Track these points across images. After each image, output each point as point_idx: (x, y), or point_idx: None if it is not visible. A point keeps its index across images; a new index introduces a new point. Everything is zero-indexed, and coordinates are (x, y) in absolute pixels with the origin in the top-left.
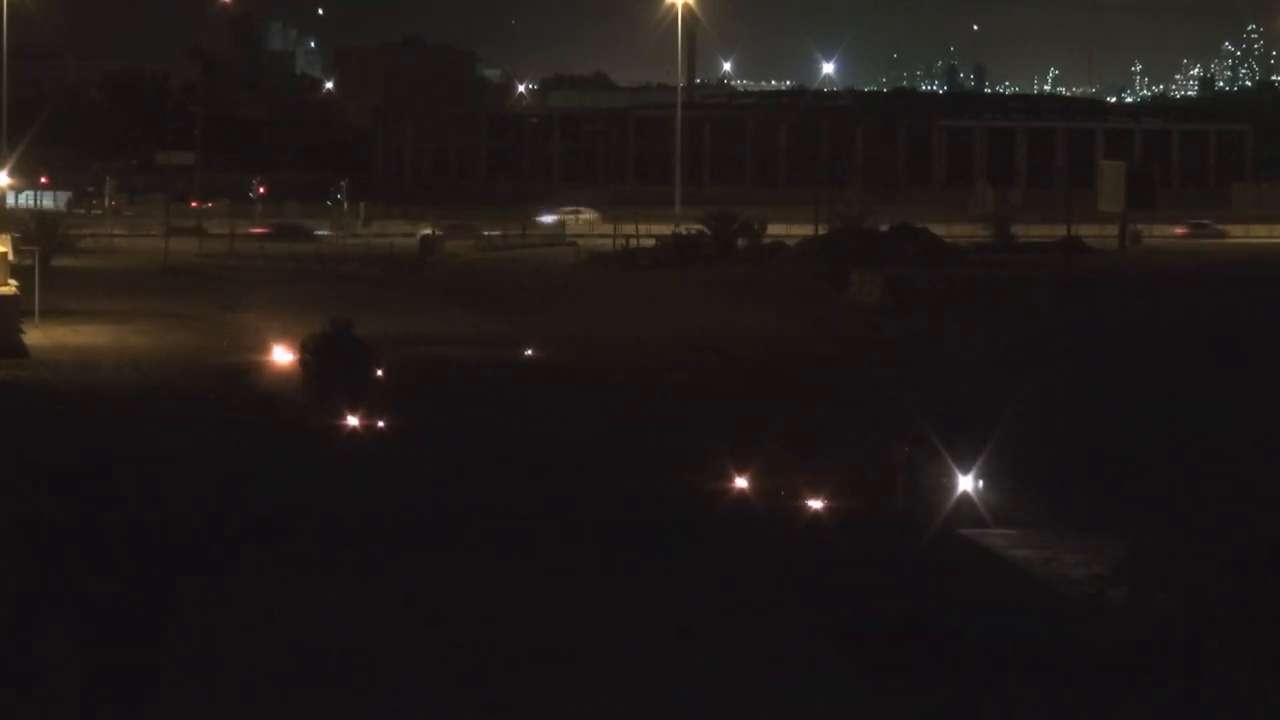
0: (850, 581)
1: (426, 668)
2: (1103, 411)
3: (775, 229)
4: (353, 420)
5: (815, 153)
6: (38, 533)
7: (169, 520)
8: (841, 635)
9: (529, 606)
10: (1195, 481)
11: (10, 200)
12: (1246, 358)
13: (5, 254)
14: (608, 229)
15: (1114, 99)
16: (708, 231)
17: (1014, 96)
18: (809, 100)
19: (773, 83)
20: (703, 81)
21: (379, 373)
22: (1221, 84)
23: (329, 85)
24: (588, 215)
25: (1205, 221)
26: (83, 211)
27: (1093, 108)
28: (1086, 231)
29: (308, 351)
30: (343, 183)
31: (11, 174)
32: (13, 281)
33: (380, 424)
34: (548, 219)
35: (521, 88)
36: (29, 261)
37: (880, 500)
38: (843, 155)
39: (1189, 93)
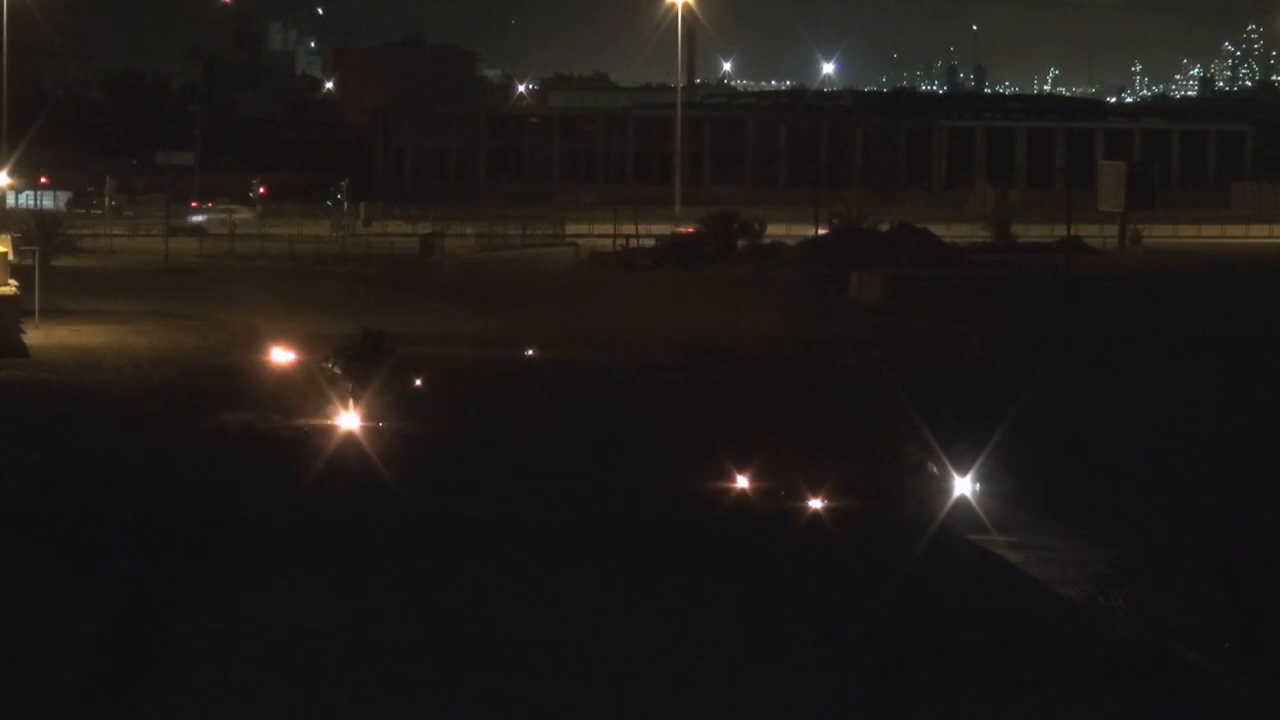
0: (851, 582)
1: (426, 668)
2: (1103, 412)
3: (775, 229)
4: (355, 420)
5: (815, 153)
6: (38, 532)
7: (169, 520)
8: (842, 635)
9: (530, 606)
10: (1195, 481)
11: (10, 200)
12: (1246, 358)
13: (5, 254)
14: (269, 228)
15: (1114, 99)
16: (708, 231)
17: (1014, 96)
18: (809, 100)
19: (773, 83)
20: (703, 81)
21: (417, 381)
22: (1221, 84)
23: (329, 85)
24: (242, 214)
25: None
26: (82, 211)
27: (1092, 108)
28: (1086, 231)
29: (340, 358)
30: (343, 183)
31: (11, 174)
32: (13, 281)
33: (380, 424)
34: (197, 219)
35: (521, 88)
36: (29, 261)
37: (882, 501)
38: (843, 155)
39: (1189, 93)
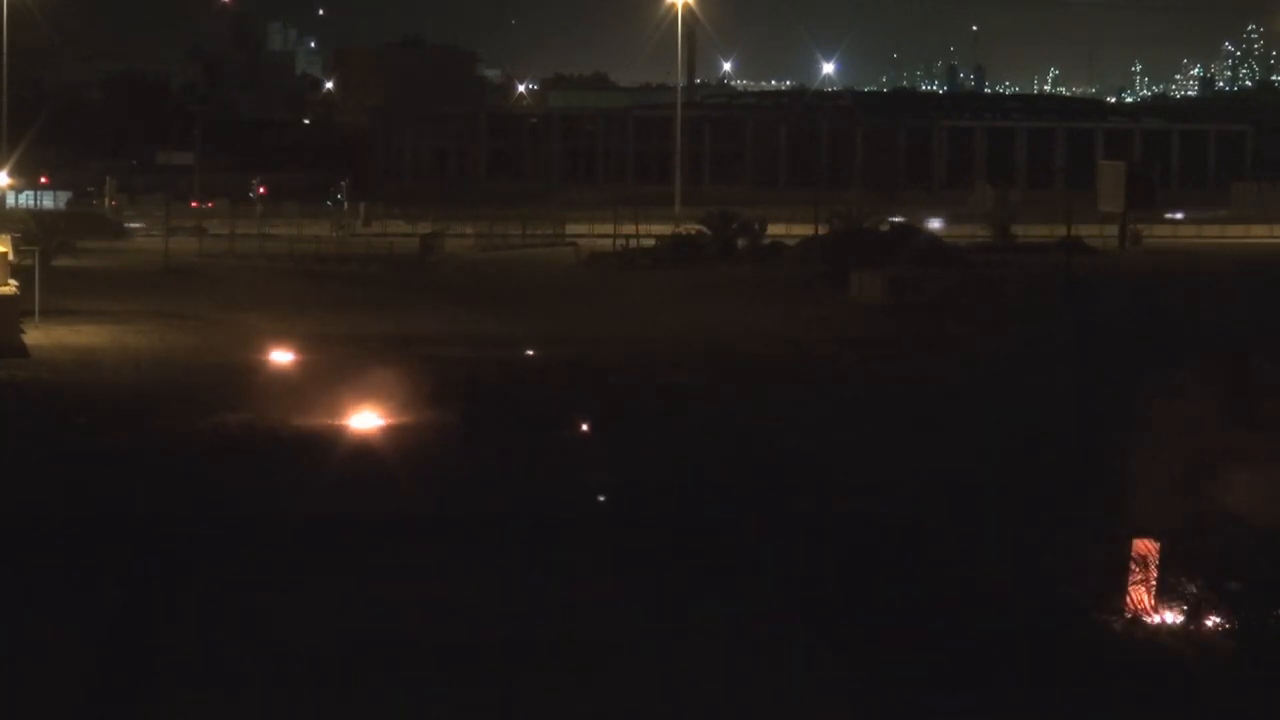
0: (851, 580)
1: (426, 668)
2: (1101, 411)
3: (775, 229)
4: (364, 419)
5: (815, 153)
6: (38, 532)
7: (169, 520)
8: (841, 635)
9: (530, 606)
10: (1195, 480)
11: (10, 200)
12: (1245, 357)
13: (5, 254)
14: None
15: (1114, 99)
16: (708, 231)
17: (1014, 96)
18: (809, 100)
19: (773, 83)
20: (703, 81)
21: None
22: (1221, 84)
23: (329, 85)
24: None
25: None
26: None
27: (1092, 108)
28: (1086, 231)
29: (470, 409)
30: (343, 183)
31: (11, 174)
32: (13, 281)
33: (384, 423)
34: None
35: (521, 88)
36: (29, 261)
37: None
38: (843, 155)
39: (1189, 93)
